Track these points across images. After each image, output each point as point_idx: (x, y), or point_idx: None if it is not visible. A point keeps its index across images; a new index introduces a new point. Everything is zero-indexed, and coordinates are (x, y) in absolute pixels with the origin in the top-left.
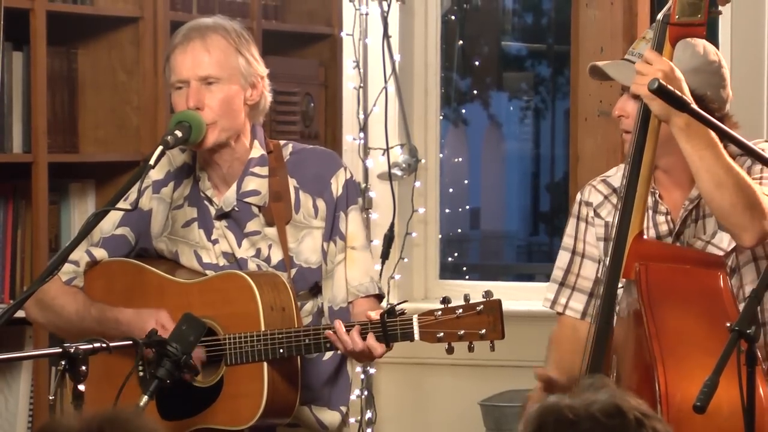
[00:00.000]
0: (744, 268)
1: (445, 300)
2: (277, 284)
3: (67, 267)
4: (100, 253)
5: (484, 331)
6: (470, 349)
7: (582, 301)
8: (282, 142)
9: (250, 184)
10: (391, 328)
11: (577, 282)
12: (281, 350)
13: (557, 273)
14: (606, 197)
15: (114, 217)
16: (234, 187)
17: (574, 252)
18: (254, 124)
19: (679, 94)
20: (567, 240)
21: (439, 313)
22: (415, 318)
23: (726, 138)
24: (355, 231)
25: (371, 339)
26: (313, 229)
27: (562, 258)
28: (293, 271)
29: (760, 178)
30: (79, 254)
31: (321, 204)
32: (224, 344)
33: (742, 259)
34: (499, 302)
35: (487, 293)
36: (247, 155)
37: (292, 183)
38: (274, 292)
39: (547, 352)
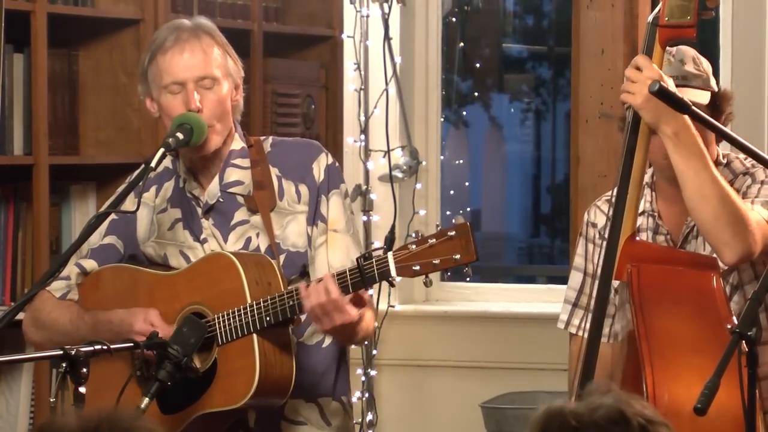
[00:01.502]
0: (747, 286)
1: (418, 233)
2: (261, 262)
3: (59, 283)
4: (90, 265)
5: (458, 256)
6: (446, 277)
7: None
8: (262, 137)
9: (233, 175)
10: (367, 270)
11: (590, 303)
12: (268, 318)
13: (570, 294)
14: (609, 218)
15: (100, 227)
16: (216, 179)
17: (585, 273)
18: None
19: (679, 95)
20: (578, 260)
21: (413, 246)
22: (390, 255)
23: (725, 139)
24: (336, 215)
25: (330, 282)
26: (297, 214)
27: (575, 279)
28: (282, 256)
29: (756, 197)
30: (70, 269)
31: (303, 189)
32: (213, 325)
33: (745, 277)
34: (468, 224)
35: (457, 218)
36: (228, 149)
37: (274, 172)
38: (258, 268)
39: (570, 370)
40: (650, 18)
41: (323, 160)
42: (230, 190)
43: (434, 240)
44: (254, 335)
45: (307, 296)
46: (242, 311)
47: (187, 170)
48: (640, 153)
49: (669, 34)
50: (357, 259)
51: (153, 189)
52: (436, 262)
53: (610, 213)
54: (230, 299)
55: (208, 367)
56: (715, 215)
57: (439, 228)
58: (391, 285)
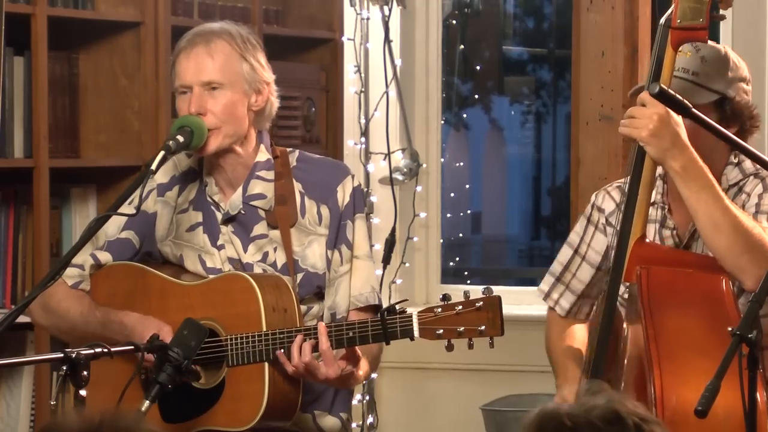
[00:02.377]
0: None
1: (445, 297)
2: (279, 286)
3: (73, 271)
4: (105, 257)
5: (483, 327)
6: (470, 346)
7: (570, 301)
8: (288, 149)
9: (256, 187)
10: (390, 325)
11: (571, 282)
12: (282, 350)
13: (556, 267)
14: (618, 206)
15: (119, 220)
16: (240, 190)
17: (576, 251)
18: (260, 129)
19: (680, 98)
20: (573, 237)
21: (439, 310)
22: (414, 315)
23: (729, 143)
24: (359, 240)
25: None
26: (319, 237)
27: (564, 253)
28: (300, 275)
29: None
30: (84, 258)
31: (325, 211)
32: (226, 345)
33: None
34: (498, 298)
35: (487, 289)
36: (252, 160)
37: (298, 188)
38: (276, 293)
39: (550, 353)
40: (662, 20)
41: (349, 184)
42: (252, 202)
43: (461, 308)
44: (266, 363)
45: (286, 362)
46: (257, 338)
47: (209, 174)
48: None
49: (681, 36)
50: (381, 312)
51: (176, 188)
52: (461, 330)
53: (620, 201)
54: (245, 323)
55: (215, 385)
56: (729, 245)
57: (468, 296)
58: (411, 339)
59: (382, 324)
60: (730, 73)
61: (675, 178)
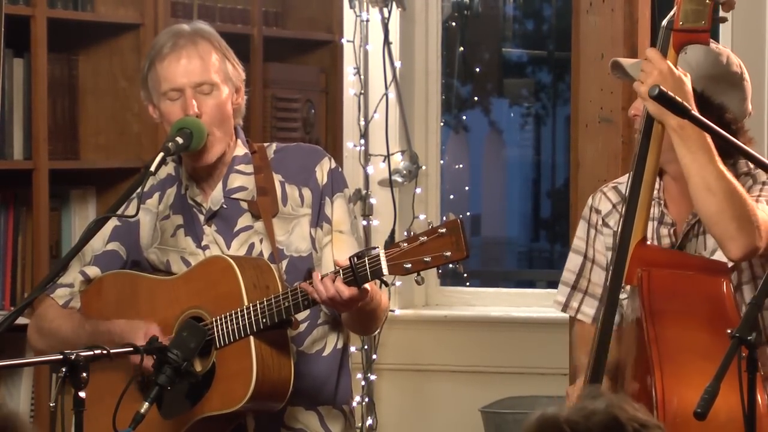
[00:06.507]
0: (745, 287)
1: (410, 232)
2: (260, 266)
3: (63, 290)
4: (94, 272)
5: (449, 253)
6: (439, 275)
7: (593, 306)
8: (265, 144)
9: (236, 181)
10: (360, 269)
11: (589, 287)
12: (264, 320)
13: (568, 276)
14: (614, 206)
15: (103, 233)
16: (219, 185)
17: (585, 257)
18: (235, 125)
19: (680, 100)
20: (578, 243)
21: (405, 244)
22: (381, 253)
23: (725, 143)
24: (341, 216)
25: (338, 282)
26: (301, 218)
27: (573, 261)
28: (285, 262)
29: (759, 196)
30: (73, 276)
31: (307, 192)
32: (212, 328)
33: (744, 278)
34: (459, 221)
35: (447, 215)
36: (231, 155)
37: (278, 178)
38: (257, 271)
39: (571, 354)
40: (665, 22)
41: (326, 164)
42: (234, 196)
43: (425, 237)
44: (251, 338)
45: (312, 292)
46: (239, 314)
47: (190, 177)
48: (653, 156)
49: (683, 39)
50: (350, 259)
51: (156, 195)
52: (428, 259)
53: (617, 202)
54: (228, 302)
55: (206, 371)
56: (720, 209)
57: (431, 226)
58: (384, 284)
59: (352, 269)
60: (705, 68)
61: (672, 135)
